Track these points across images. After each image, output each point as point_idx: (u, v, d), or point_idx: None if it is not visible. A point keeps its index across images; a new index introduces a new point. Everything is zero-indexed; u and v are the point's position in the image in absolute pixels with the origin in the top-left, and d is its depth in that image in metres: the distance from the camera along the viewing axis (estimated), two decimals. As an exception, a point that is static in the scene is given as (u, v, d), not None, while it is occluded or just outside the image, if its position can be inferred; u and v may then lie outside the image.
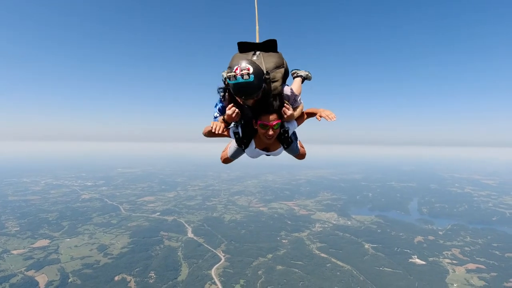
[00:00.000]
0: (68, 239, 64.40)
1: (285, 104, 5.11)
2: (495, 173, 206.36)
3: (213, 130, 5.24)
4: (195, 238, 67.20)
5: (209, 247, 61.61)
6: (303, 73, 7.10)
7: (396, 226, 77.82)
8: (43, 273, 48.98)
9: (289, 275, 50.58)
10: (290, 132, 5.61)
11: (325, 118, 5.41)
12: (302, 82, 7.04)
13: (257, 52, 5.22)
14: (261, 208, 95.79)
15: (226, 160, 6.27)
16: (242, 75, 4.21)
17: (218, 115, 5.59)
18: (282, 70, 5.12)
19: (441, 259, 57.87)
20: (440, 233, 73.45)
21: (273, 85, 4.99)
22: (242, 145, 5.61)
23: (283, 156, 6.37)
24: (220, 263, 54.59)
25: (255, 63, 4.52)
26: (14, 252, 57.10)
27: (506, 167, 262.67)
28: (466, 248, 63.60)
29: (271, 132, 4.99)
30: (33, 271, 49.77)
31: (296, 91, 5.75)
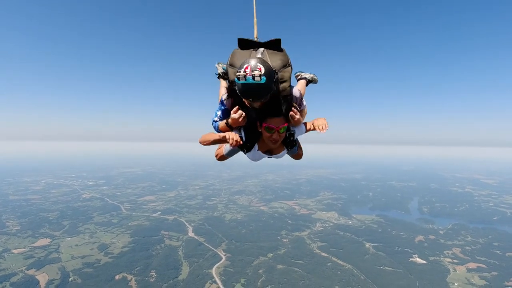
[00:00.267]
0: (69, 238, 64.40)
1: (293, 108, 4.78)
2: (496, 173, 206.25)
3: (230, 144, 4.62)
4: (195, 237, 67.18)
5: (209, 246, 61.58)
6: (308, 75, 6.80)
7: (396, 226, 77.76)
8: (43, 272, 48.93)
9: (289, 274, 50.55)
10: (296, 136, 5.35)
11: (316, 129, 5.08)
12: (307, 85, 6.74)
13: (261, 49, 4.73)
14: (261, 208, 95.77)
15: (221, 158, 5.89)
16: (253, 76, 3.90)
17: (218, 119, 5.17)
18: (290, 69, 4.74)
19: (442, 258, 57.82)
20: (441, 232, 73.41)
21: (282, 85, 4.66)
22: (245, 149, 5.23)
23: (283, 156, 6.08)
24: (221, 262, 54.56)
25: (267, 62, 4.17)
26: (15, 251, 57.08)
27: (506, 167, 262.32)
28: (467, 248, 63.55)
29: (276, 136, 4.75)
30: (33, 270, 49.73)
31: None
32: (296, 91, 5.02)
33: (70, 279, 47.14)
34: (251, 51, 4.74)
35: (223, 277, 48.88)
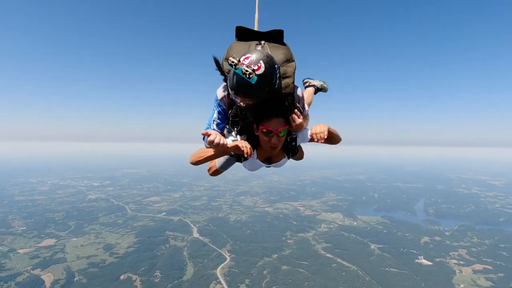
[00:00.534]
0: (74, 239, 64.67)
1: (295, 110, 4.11)
2: (502, 174, 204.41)
3: (246, 154, 3.98)
4: (200, 238, 67.24)
5: (214, 247, 61.62)
6: (317, 83, 6.10)
7: (402, 227, 77.33)
8: (49, 272, 49.14)
9: (294, 275, 50.46)
10: (299, 142, 4.58)
11: (313, 138, 4.18)
12: (315, 93, 6.07)
13: (262, 42, 4.15)
14: (266, 209, 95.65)
15: (215, 173, 5.16)
16: (245, 72, 3.23)
17: (215, 126, 4.29)
18: (294, 64, 4.07)
19: (447, 260, 57.43)
20: (447, 233, 72.92)
21: (284, 81, 3.95)
22: (242, 158, 4.48)
23: (284, 165, 5.22)
24: (225, 262, 54.57)
25: (272, 60, 3.49)
26: (21, 251, 57.40)
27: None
28: (473, 249, 63.05)
29: (275, 141, 3.96)
30: (39, 269, 49.95)
31: (306, 99, 4.73)
32: (299, 92, 4.25)
33: (75, 279, 47.35)
34: (251, 43, 4.17)
35: (227, 278, 48.89)
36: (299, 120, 4.04)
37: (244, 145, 3.97)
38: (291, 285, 47.37)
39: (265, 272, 51.21)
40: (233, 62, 3.26)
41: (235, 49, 4.10)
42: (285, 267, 53.29)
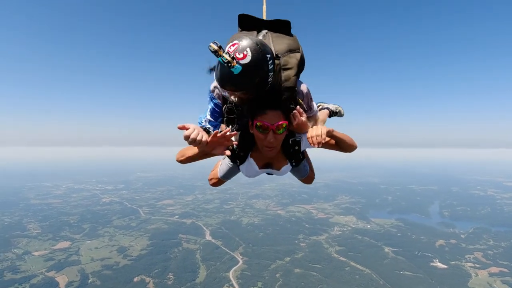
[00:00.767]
0: (89, 241, 65.43)
1: (297, 106, 3.43)
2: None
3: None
4: (213, 240, 67.36)
5: (226, 250, 61.67)
6: (331, 106, 5.35)
7: (416, 230, 76.24)
8: (63, 274, 49.80)
9: (307, 278, 50.15)
10: (303, 147, 3.81)
11: (309, 141, 3.37)
12: (330, 116, 5.31)
13: (264, 31, 3.53)
14: (278, 212, 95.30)
15: (217, 183, 4.45)
16: (224, 61, 2.61)
17: (207, 124, 3.71)
18: (298, 55, 3.37)
19: (463, 263, 56.39)
20: (462, 236, 71.64)
21: (285, 73, 3.27)
22: (237, 160, 3.82)
23: (286, 173, 4.42)
24: (238, 265, 54.55)
25: (265, 48, 2.83)
26: (36, 253, 58.24)
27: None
28: (489, 252, 61.78)
29: (271, 138, 3.22)
30: (53, 272, 50.65)
31: (319, 117, 4.31)
32: (303, 87, 3.60)
33: (89, 281, 47.88)
34: (252, 32, 3.55)
35: (240, 281, 48.85)
36: (301, 118, 3.41)
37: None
38: (304, 288, 47.15)
39: (277, 275, 51.02)
40: (213, 48, 2.60)
41: (238, 35, 3.48)
42: (298, 270, 53.01)
